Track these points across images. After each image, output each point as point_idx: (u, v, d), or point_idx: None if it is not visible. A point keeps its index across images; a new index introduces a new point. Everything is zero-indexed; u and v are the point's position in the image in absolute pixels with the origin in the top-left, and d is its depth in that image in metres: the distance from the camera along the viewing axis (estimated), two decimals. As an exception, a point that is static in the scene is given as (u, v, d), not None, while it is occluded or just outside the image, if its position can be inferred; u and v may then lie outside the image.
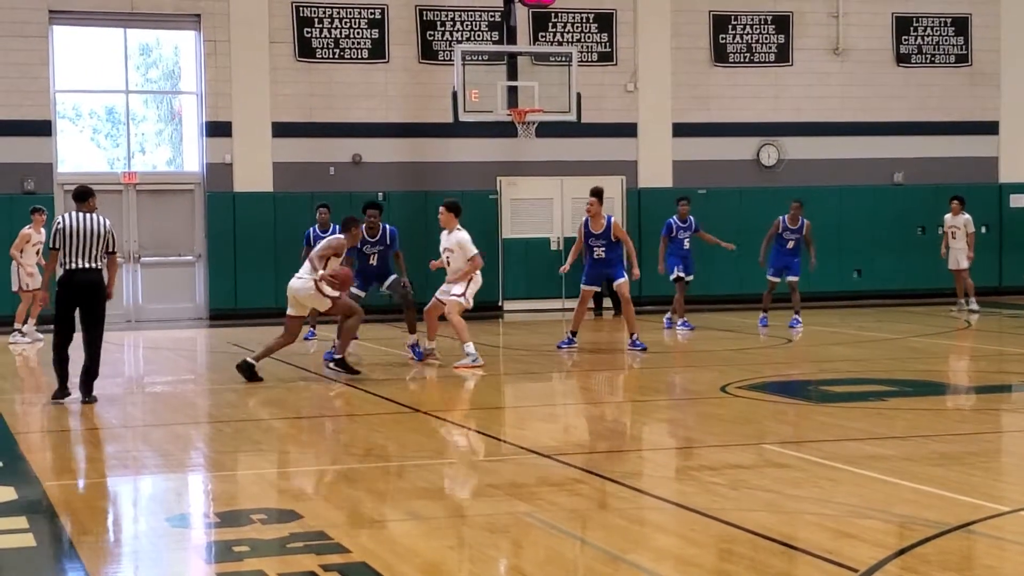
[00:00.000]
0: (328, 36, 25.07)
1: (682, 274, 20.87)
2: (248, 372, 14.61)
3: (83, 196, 13.39)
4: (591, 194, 18.13)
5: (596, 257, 17.97)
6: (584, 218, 18.19)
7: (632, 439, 11.26)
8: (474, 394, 13.77)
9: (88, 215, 13.21)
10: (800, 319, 20.47)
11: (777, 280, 21.02)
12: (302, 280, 14.89)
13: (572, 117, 23.08)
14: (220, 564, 6.73)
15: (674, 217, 21.11)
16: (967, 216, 23.79)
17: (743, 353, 17.51)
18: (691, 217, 21.11)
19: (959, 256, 23.62)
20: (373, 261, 17.68)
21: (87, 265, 12.92)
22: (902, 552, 6.66)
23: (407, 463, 9.53)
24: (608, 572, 6.56)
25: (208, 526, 7.73)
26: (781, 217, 21.08)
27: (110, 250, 13.23)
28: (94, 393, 13.13)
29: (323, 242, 15.39)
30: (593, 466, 9.09)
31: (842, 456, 9.33)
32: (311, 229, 19.94)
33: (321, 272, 14.62)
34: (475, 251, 16.29)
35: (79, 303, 12.92)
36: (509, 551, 7.07)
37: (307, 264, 15.05)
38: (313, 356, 17.51)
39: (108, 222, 13.34)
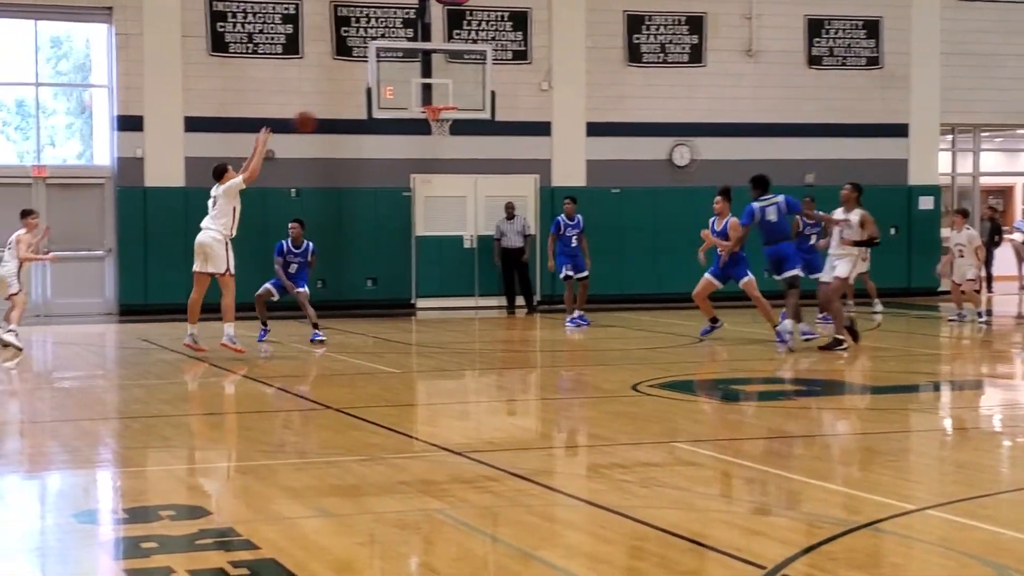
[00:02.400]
0: (242, 31, 24.88)
1: (571, 272, 21.29)
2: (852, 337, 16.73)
3: None
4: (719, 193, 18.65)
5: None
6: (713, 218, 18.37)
7: (543, 437, 11.28)
8: (386, 391, 13.74)
9: None
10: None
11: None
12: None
13: (486, 115, 23.10)
14: (128, 560, 6.66)
15: (562, 216, 21.60)
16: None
17: (655, 352, 17.61)
18: (578, 216, 21.37)
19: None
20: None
21: None
22: (810, 550, 6.72)
23: (317, 460, 9.49)
24: (519, 569, 6.56)
25: (116, 522, 7.64)
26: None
27: None
28: None
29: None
30: (504, 463, 9.10)
31: (751, 454, 9.41)
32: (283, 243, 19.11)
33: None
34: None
35: None
36: (420, 548, 7.05)
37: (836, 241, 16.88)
38: (221, 353, 17.36)
39: None
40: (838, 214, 17.30)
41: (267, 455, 9.89)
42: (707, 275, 18.32)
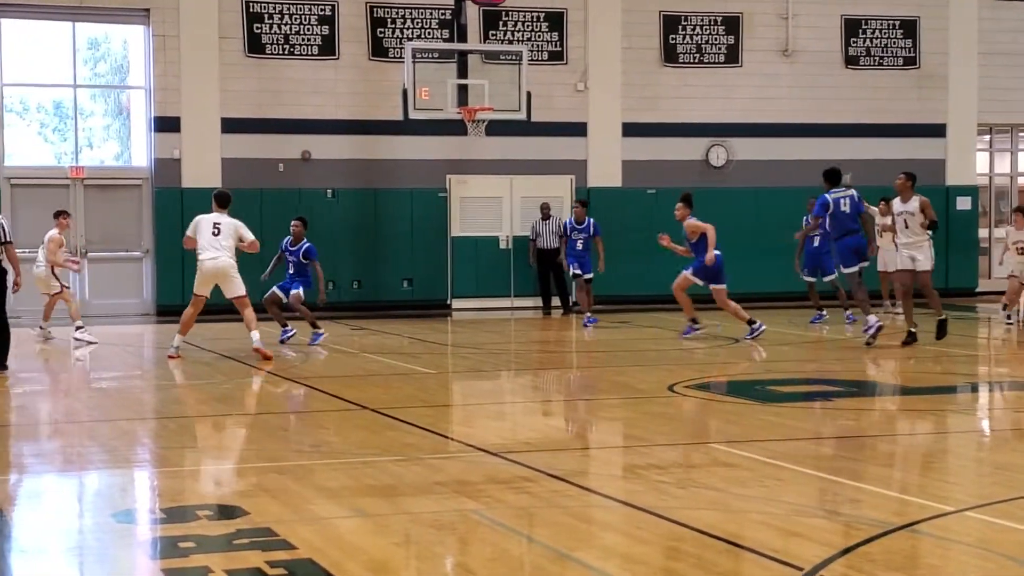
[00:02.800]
0: (278, 32, 24.97)
1: (578, 271, 21.91)
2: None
3: None
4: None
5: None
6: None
7: (579, 437, 11.28)
8: (422, 392, 13.76)
9: None
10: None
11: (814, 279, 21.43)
12: None
13: (522, 116, 23.09)
14: (166, 560, 6.69)
15: (571, 219, 21.89)
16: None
17: (691, 353, 17.57)
18: (590, 219, 22.07)
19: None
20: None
21: None
22: (847, 551, 6.70)
23: (354, 460, 9.51)
24: (554, 570, 6.56)
25: (154, 522, 7.68)
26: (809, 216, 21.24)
27: (3, 241, 15.43)
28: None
29: None
30: (540, 464, 9.10)
31: (788, 455, 9.38)
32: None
33: None
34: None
35: None
36: (456, 548, 7.06)
37: None
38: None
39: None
40: (896, 205, 17.40)
41: (304, 455, 9.93)
42: (685, 272, 19.00)
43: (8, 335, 15.22)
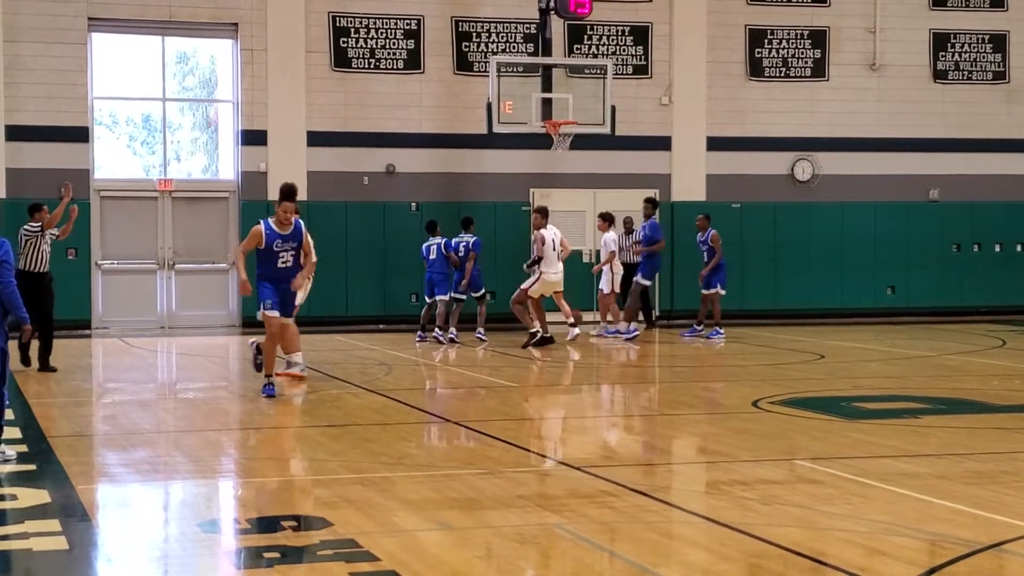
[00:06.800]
0: (364, 46, 25.13)
1: (460, 295, 21.92)
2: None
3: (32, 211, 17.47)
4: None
5: None
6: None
7: (663, 452, 11.24)
8: (504, 405, 13.77)
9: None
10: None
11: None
12: None
13: (606, 130, 23.05)
14: (250, 570, 6.74)
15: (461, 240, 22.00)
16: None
17: (776, 368, 17.46)
18: (475, 238, 22.06)
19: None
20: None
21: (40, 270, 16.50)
22: (934, 571, 6.62)
23: (437, 472, 9.54)
24: (637, 585, 6.54)
25: (239, 532, 7.75)
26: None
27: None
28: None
29: None
30: (623, 478, 9.08)
31: (874, 473, 9.29)
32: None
33: None
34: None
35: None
36: (537, 562, 7.06)
37: None
38: (342, 366, 17.52)
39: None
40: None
41: (387, 467, 9.96)
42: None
43: (51, 338, 16.25)
